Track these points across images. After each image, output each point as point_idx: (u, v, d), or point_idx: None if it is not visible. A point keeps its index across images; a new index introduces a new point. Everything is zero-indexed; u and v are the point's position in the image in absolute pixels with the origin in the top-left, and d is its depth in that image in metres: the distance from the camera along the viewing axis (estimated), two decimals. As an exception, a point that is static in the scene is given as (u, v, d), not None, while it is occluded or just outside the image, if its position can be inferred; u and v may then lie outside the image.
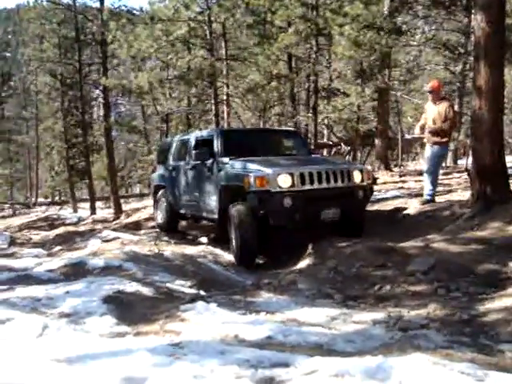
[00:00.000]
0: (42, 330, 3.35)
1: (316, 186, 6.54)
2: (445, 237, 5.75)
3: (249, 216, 6.54)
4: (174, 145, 9.42)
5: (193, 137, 8.74)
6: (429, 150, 8.07)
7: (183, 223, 9.54)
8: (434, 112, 7.99)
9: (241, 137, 8.79)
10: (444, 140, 8.04)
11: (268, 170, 6.43)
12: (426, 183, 8.22)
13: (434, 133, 7.92)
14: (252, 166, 6.68)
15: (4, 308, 3.82)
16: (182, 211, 8.83)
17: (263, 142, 8.28)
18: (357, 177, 6.91)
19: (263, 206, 6.41)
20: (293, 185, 6.39)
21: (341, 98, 16.08)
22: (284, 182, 6.35)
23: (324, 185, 6.61)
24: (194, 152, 8.03)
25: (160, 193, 9.64)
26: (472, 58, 8.55)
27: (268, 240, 6.91)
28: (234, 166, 7.07)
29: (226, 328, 3.41)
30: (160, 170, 9.99)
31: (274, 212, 6.43)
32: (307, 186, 6.49)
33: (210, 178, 7.61)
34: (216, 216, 7.39)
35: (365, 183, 7.02)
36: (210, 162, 7.56)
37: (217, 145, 7.64)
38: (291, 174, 6.41)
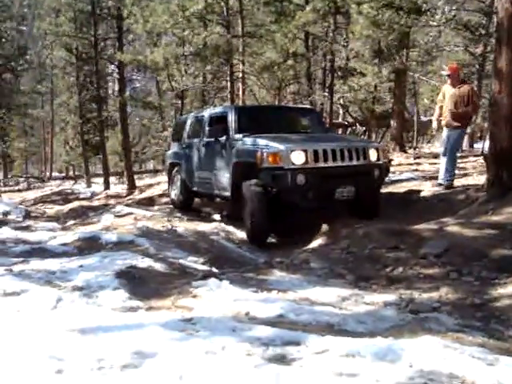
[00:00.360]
0: (56, 303, 3.39)
1: (330, 163, 6.40)
2: (459, 220, 5.70)
3: (261, 193, 6.43)
4: (189, 122, 9.34)
5: (207, 114, 8.66)
6: (448, 134, 7.87)
7: (197, 200, 9.53)
8: (454, 96, 7.76)
9: (256, 114, 8.63)
10: (465, 124, 7.93)
11: (281, 147, 6.31)
12: (442, 167, 8.01)
13: (456, 117, 7.70)
14: (265, 143, 6.57)
15: (19, 280, 3.87)
16: (196, 189, 8.77)
17: (278, 120, 8.11)
18: (373, 155, 6.76)
19: (276, 183, 6.31)
20: (306, 162, 6.26)
21: (357, 78, 15.86)
22: (297, 158, 6.23)
23: (339, 162, 6.45)
24: (207, 129, 7.98)
25: (174, 170, 9.60)
26: (493, 40, 8.38)
27: (281, 219, 6.81)
28: (247, 142, 6.98)
29: (237, 305, 3.43)
30: (175, 148, 9.93)
31: (287, 189, 6.29)
32: (321, 164, 6.35)
33: (223, 155, 7.54)
34: (228, 193, 7.31)
35: (381, 162, 6.88)
36: (223, 138, 7.47)
37: (231, 121, 7.53)
38: (305, 151, 6.28)
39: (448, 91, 7.95)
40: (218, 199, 8.87)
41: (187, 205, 9.31)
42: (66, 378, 2.24)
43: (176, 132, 10.28)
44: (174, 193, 9.57)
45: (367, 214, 6.77)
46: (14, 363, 2.36)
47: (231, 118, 7.58)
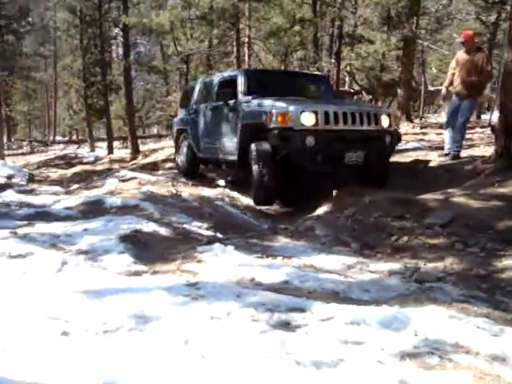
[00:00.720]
0: (60, 266, 3.39)
1: (341, 126, 6.24)
2: (465, 191, 5.66)
3: (269, 155, 6.32)
4: (198, 87, 9.23)
5: (216, 78, 8.54)
6: (458, 103, 7.65)
7: (202, 166, 9.48)
8: (468, 63, 7.51)
9: (266, 77, 8.43)
10: (477, 94, 7.71)
11: (291, 107, 6.17)
12: (447, 137, 7.87)
13: (469, 85, 7.47)
14: (274, 103, 6.42)
15: (24, 243, 3.87)
16: (202, 155, 8.69)
17: (289, 84, 7.93)
18: (384, 121, 6.62)
19: (284, 144, 6.15)
20: (316, 123, 6.11)
21: (365, 45, 15.66)
22: (307, 119, 6.08)
23: (349, 126, 6.30)
24: (216, 91, 7.88)
25: (181, 137, 9.53)
26: (507, 8, 8.20)
27: (288, 183, 6.71)
28: (255, 103, 6.83)
29: (242, 271, 3.43)
30: (182, 114, 9.85)
31: (296, 151, 6.12)
32: (332, 126, 6.20)
33: (230, 119, 7.41)
34: (235, 157, 7.20)
35: (392, 128, 6.75)
36: (232, 101, 7.33)
37: (240, 84, 7.39)
38: (315, 112, 6.13)
39: (461, 58, 7.71)
40: (224, 166, 8.73)
41: (193, 171, 9.23)
42: (72, 340, 2.25)
43: (184, 98, 10.18)
44: (180, 159, 9.51)
45: (376, 181, 6.68)
46: (19, 325, 2.36)
47: (241, 80, 7.44)
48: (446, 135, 7.95)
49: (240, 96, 7.26)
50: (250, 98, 7.01)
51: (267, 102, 6.57)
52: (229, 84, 7.68)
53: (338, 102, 7.31)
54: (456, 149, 7.64)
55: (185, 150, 9.28)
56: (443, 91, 8.29)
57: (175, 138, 10.10)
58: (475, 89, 7.56)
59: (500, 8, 13.14)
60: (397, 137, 6.93)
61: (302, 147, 6.00)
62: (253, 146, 6.51)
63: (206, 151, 8.50)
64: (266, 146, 6.37)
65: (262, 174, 6.33)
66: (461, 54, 7.83)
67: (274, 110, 6.23)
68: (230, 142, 7.41)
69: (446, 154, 7.77)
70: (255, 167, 6.42)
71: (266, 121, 6.30)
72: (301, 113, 6.08)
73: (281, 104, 6.34)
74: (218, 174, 9.29)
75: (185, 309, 2.61)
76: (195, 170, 9.33)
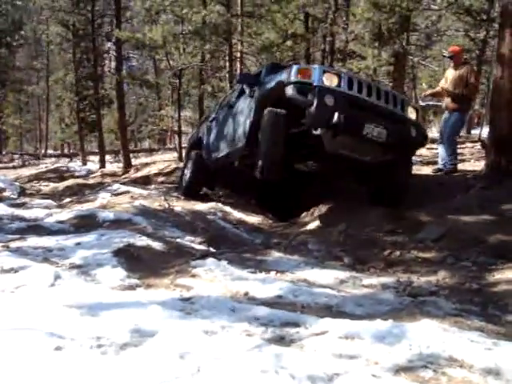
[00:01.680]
0: (54, 280, 3.37)
1: (364, 96, 5.79)
2: (456, 206, 5.72)
3: (283, 119, 5.81)
4: (219, 100, 9.06)
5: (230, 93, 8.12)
6: (448, 118, 7.77)
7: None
8: (454, 77, 7.63)
9: None
10: (465, 107, 7.76)
11: (314, 65, 5.84)
12: (441, 152, 7.87)
13: (455, 99, 7.56)
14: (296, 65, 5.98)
15: (17, 257, 3.85)
16: (212, 156, 8.15)
17: None
18: (411, 111, 6.21)
19: (302, 97, 5.58)
20: (339, 85, 5.67)
21: (357, 61, 15.79)
22: (330, 80, 5.64)
23: (373, 99, 5.84)
24: (240, 75, 7.59)
25: (192, 152, 9.08)
26: (495, 25, 8.33)
27: (298, 161, 6.29)
28: (276, 75, 6.27)
29: (236, 285, 3.43)
30: (197, 128, 9.66)
31: (313, 108, 5.52)
32: (354, 93, 5.74)
33: (247, 105, 6.86)
34: (243, 143, 6.65)
35: (419, 123, 6.35)
36: (252, 85, 6.81)
37: (264, 72, 6.96)
38: (338, 75, 5.74)
39: (449, 73, 7.87)
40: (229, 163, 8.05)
41: (196, 190, 8.67)
42: (66, 355, 2.23)
43: (204, 118, 9.99)
44: (185, 178, 9.02)
45: (390, 200, 6.21)
46: (12, 339, 2.35)
47: (264, 70, 7.07)
48: (440, 150, 8.01)
49: (262, 79, 6.78)
50: (272, 74, 6.52)
51: (289, 68, 6.05)
52: (251, 79, 7.12)
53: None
54: (450, 163, 7.65)
55: (190, 168, 8.80)
56: (424, 93, 8.86)
57: (185, 155, 9.76)
58: (461, 102, 7.62)
59: (488, 26, 13.34)
60: (423, 134, 6.41)
61: (319, 105, 5.50)
62: (265, 111, 5.98)
63: (218, 150, 7.93)
64: (280, 110, 5.86)
65: (271, 141, 5.86)
66: (449, 69, 8.04)
67: (294, 66, 5.86)
68: (240, 128, 6.91)
69: (440, 169, 7.80)
70: (265, 133, 5.93)
71: (285, 79, 5.80)
72: (323, 72, 5.69)
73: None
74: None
75: (179, 323, 2.61)
76: (198, 189, 8.78)
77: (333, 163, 6.33)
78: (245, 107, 6.92)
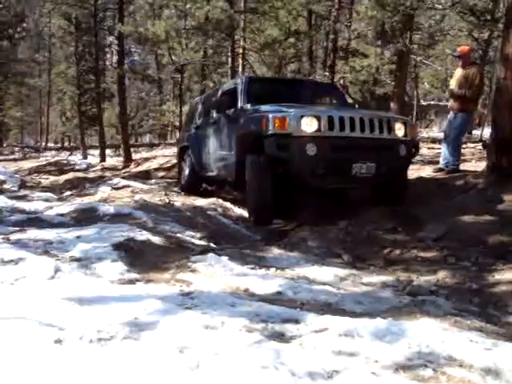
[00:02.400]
0: (54, 273, 3.37)
1: (347, 133, 5.54)
2: (457, 206, 5.72)
3: (266, 167, 5.68)
4: (201, 102, 8.90)
5: (220, 89, 8.02)
6: (453, 118, 7.71)
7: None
8: (460, 77, 7.59)
9: (269, 85, 7.83)
10: (470, 107, 7.74)
11: (290, 111, 5.54)
12: (445, 152, 7.81)
13: (459, 99, 7.54)
14: (273, 109, 5.78)
15: (17, 249, 3.84)
16: (204, 174, 8.22)
17: (294, 93, 7.27)
18: (399, 129, 5.93)
19: (282, 152, 5.45)
20: (319, 130, 5.42)
21: (359, 59, 15.80)
22: (308, 125, 5.41)
23: (357, 134, 5.59)
24: (218, 103, 7.28)
25: (184, 155, 9.22)
26: (499, 26, 8.30)
27: (286, 201, 6.29)
28: (253, 110, 6.18)
29: (236, 281, 3.43)
30: (185, 131, 9.61)
31: (295, 161, 5.43)
32: (336, 134, 5.50)
33: (229, 131, 6.82)
34: (233, 177, 6.67)
35: (408, 138, 6.06)
36: (231, 111, 6.79)
37: (240, 92, 6.81)
38: (317, 118, 5.45)
39: (457, 73, 7.85)
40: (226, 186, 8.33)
41: (195, 189, 8.75)
42: (66, 348, 2.23)
43: (189, 114, 9.88)
44: (183, 176, 9.23)
45: (391, 200, 6.14)
46: (12, 331, 2.34)
47: (241, 88, 6.88)
48: (443, 149, 7.98)
49: (239, 104, 6.69)
50: (249, 106, 6.41)
51: (266, 108, 5.96)
52: (230, 94, 7.14)
53: (345, 108, 6.82)
54: (453, 163, 7.66)
55: (187, 169, 8.93)
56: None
57: (178, 157, 9.72)
58: (465, 102, 7.56)
59: (492, 26, 13.30)
60: (414, 148, 6.37)
61: (301, 156, 5.37)
62: (248, 159, 5.94)
63: (207, 169, 7.97)
64: (261, 158, 5.75)
65: (257, 189, 5.77)
66: (457, 69, 7.97)
67: (270, 115, 5.58)
68: (228, 157, 6.85)
69: (441, 169, 7.85)
70: (250, 182, 5.89)
71: (262, 127, 5.65)
72: (301, 117, 5.44)
73: (280, 109, 5.75)
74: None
75: (179, 318, 2.60)
76: (198, 188, 8.88)
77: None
78: (226, 134, 6.92)
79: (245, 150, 6.15)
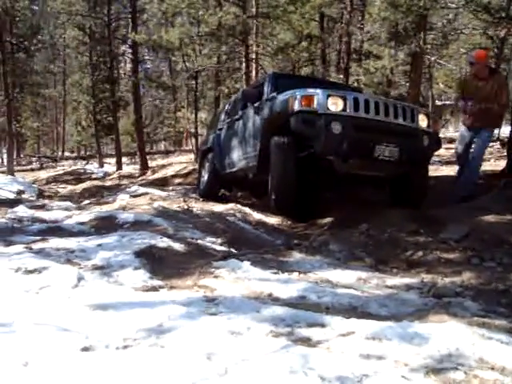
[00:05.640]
0: (77, 281, 3.38)
1: (372, 116, 5.62)
2: (478, 206, 5.66)
3: (290, 148, 5.73)
4: (226, 106, 9.00)
5: (243, 91, 8.03)
6: (471, 137, 6.59)
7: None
8: (482, 90, 6.40)
9: (293, 80, 7.71)
10: (495, 124, 6.88)
11: (317, 91, 5.59)
12: (467, 176, 6.56)
13: (484, 115, 6.37)
14: (301, 91, 5.78)
15: (40, 258, 3.86)
16: (226, 171, 8.24)
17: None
18: (422, 120, 6.00)
19: (307, 128, 5.51)
20: (344, 109, 5.50)
21: (373, 61, 15.74)
22: (335, 104, 5.49)
23: (382, 117, 5.67)
24: (242, 93, 7.37)
25: (205, 159, 9.27)
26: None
27: (309, 195, 6.25)
28: (280, 96, 6.19)
29: (259, 286, 3.41)
30: (207, 135, 9.65)
31: (320, 138, 5.44)
32: (362, 114, 5.58)
33: (254, 123, 6.85)
34: (255, 163, 6.68)
35: (431, 130, 6.11)
36: (257, 103, 6.83)
37: (267, 85, 6.89)
38: (343, 98, 5.54)
39: (472, 83, 6.58)
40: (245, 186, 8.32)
41: (213, 195, 8.77)
42: (93, 356, 2.23)
43: (213, 119, 9.98)
44: (202, 181, 9.22)
45: (411, 201, 6.12)
46: (40, 340, 2.35)
47: (267, 82, 6.97)
48: (465, 174, 6.66)
49: (265, 96, 6.76)
50: (275, 93, 6.44)
51: (293, 91, 5.94)
52: (256, 88, 7.26)
53: (372, 96, 6.78)
54: (469, 192, 6.38)
55: (208, 171, 8.95)
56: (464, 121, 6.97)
57: (199, 162, 9.77)
58: (492, 119, 6.52)
59: (508, 23, 13.15)
60: (437, 141, 6.35)
61: (326, 133, 5.40)
62: (272, 141, 5.98)
63: (229, 166, 8.03)
64: (287, 138, 5.80)
65: (281, 172, 5.79)
66: (470, 78, 6.77)
67: (298, 94, 5.69)
68: (251, 147, 6.91)
69: (464, 198, 6.27)
70: (274, 164, 5.89)
71: (288, 107, 5.72)
72: (328, 96, 5.51)
73: (306, 89, 5.77)
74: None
75: (205, 324, 2.60)
76: (216, 194, 8.89)
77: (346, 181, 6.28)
78: (251, 125, 6.95)
79: (270, 133, 6.17)
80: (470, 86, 6.63)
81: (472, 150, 6.59)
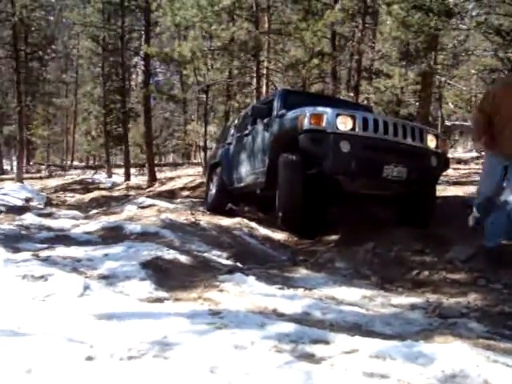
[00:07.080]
0: (83, 290, 3.39)
1: (381, 135, 5.68)
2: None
3: (298, 166, 5.80)
4: (235, 121, 9.08)
5: (252, 104, 8.16)
6: (505, 170, 4.76)
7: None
8: None
9: (302, 98, 7.74)
10: None
11: (326, 110, 5.66)
12: (501, 222, 4.81)
13: None
14: (309, 108, 5.89)
15: (46, 266, 3.88)
16: (234, 186, 8.30)
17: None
18: (431, 140, 6.03)
19: (316, 147, 5.58)
20: (353, 129, 5.55)
21: (383, 80, 15.80)
22: (344, 123, 5.53)
23: (390, 137, 5.71)
24: (252, 116, 7.41)
25: (213, 173, 9.35)
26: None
27: (317, 213, 6.20)
28: (289, 113, 6.28)
29: (264, 301, 3.41)
30: (216, 149, 9.75)
31: (328, 156, 5.50)
32: (371, 134, 5.64)
33: (264, 136, 6.92)
34: (263, 179, 6.75)
35: (439, 151, 6.13)
36: (267, 119, 6.91)
37: (276, 102, 6.97)
38: (352, 117, 5.59)
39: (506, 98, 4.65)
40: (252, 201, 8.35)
41: (220, 209, 8.79)
42: (97, 365, 2.24)
43: (222, 134, 10.09)
44: (210, 194, 9.28)
45: (418, 221, 6.12)
46: (44, 348, 2.36)
47: (277, 98, 7.05)
48: (497, 220, 4.89)
49: (275, 112, 6.84)
50: (285, 110, 6.54)
51: (302, 109, 6.05)
52: (265, 104, 7.31)
53: (380, 115, 6.89)
54: (498, 238, 4.88)
55: (216, 185, 8.99)
56: (476, 146, 6.00)
57: (207, 175, 9.85)
58: None
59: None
60: (445, 162, 6.36)
61: (335, 152, 5.45)
62: (281, 158, 6.04)
63: (237, 180, 8.08)
64: (295, 156, 5.87)
65: (289, 190, 5.86)
66: (505, 90, 4.76)
67: (307, 112, 5.78)
68: (260, 163, 6.96)
69: (492, 249, 4.84)
70: (282, 181, 5.95)
71: (298, 125, 5.80)
72: (337, 116, 5.57)
73: (315, 108, 5.87)
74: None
75: (209, 337, 2.60)
76: (223, 207, 8.93)
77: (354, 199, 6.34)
78: (260, 141, 7.03)
79: (279, 150, 6.27)
80: (502, 101, 4.71)
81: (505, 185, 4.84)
